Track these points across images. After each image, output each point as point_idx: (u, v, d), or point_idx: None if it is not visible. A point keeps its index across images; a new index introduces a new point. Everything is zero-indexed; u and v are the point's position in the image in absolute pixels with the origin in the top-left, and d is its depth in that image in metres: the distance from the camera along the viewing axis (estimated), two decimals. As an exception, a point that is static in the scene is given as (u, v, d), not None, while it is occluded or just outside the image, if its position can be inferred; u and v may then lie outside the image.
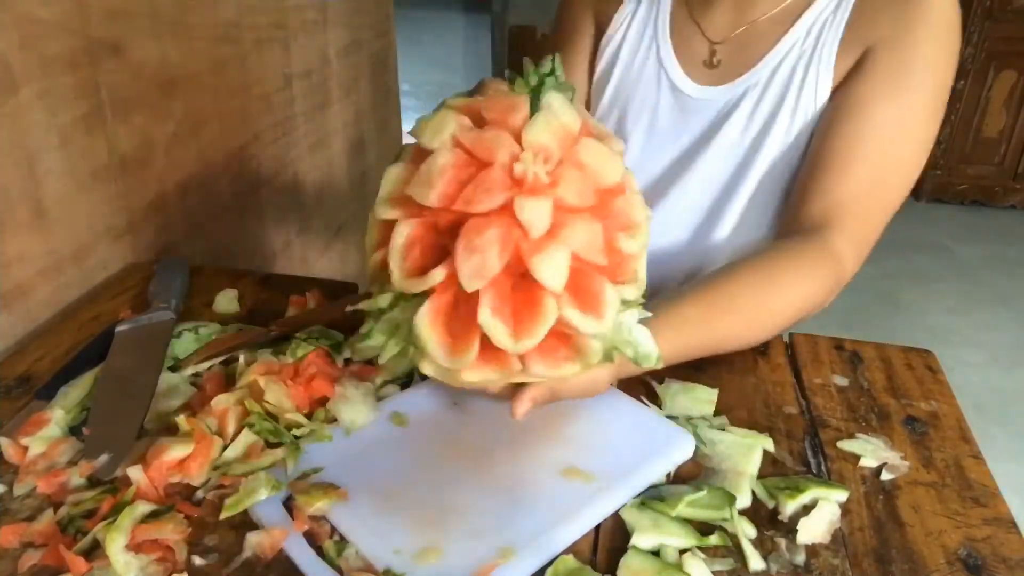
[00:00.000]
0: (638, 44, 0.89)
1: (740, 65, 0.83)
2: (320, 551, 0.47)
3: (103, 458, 0.53)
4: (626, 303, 0.47)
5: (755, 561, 0.48)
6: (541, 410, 0.54)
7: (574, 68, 0.94)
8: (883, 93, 0.73)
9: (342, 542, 0.48)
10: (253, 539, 0.48)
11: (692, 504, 0.51)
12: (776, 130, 0.80)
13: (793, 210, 0.77)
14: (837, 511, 0.52)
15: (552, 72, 0.47)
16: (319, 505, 0.50)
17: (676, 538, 0.49)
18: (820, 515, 0.51)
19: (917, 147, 0.74)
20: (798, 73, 0.79)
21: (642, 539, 0.48)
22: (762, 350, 0.71)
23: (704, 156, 0.85)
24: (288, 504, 0.51)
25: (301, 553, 0.47)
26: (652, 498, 0.52)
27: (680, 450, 0.56)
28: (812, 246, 0.71)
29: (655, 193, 0.90)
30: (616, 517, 0.51)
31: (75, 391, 0.61)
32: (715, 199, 0.86)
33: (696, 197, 0.87)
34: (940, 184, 3.61)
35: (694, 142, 0.87)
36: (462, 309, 0.43)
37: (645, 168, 0.90)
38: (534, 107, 0.45)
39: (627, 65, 0.89)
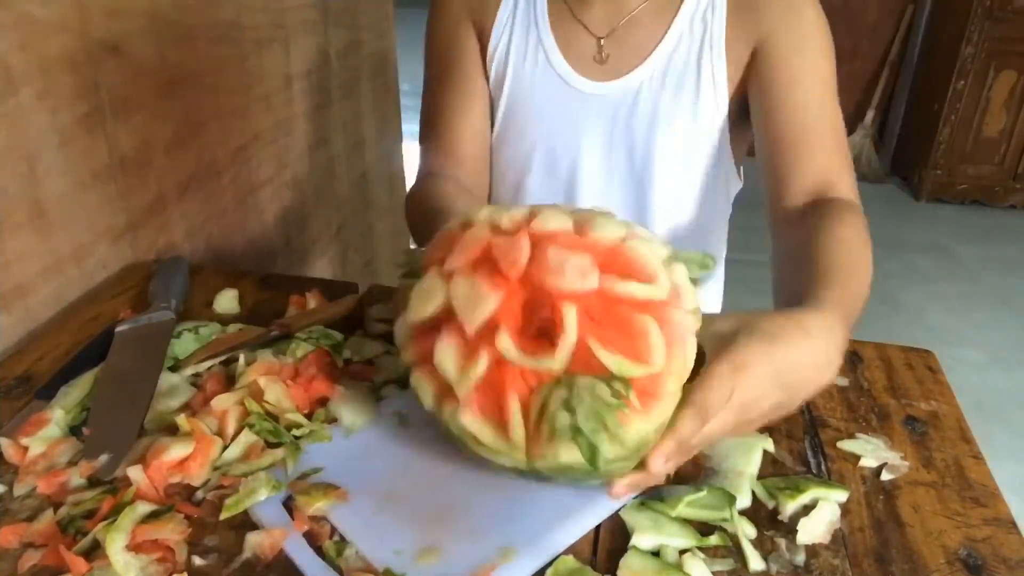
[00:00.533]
0: (524, 48, 0.87)
1: (630, 58, 0.84)
2: (320, 551, 0.47)
3: (103, 458, 0.53)
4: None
5: (755, 561, 0.48)
6: None
7: (472, 94, 0.89)
8: (803, 68, 0.80)
9: (342, 542, 0.48)
10: (253, 539, 0.48)
11: (692, 504, 0.51)
12: (679, 121, 0.84)
13: (779, 199, 0.79)
14: (837, 511, 0.52)
15: None
16: (319, 505, 0.50)
17: (676, 538, 0.48)
18: (820, 515, 0.51)
19: (837, 101, 0.81)
20: (691, 65, 0.83)
21: (642, 539, 0.48)
22: (762, 350, 0.71)
23: (609, 152, 0.87)
24: (288, 504, 0.51)
25: (301, 553, 0.47)
26: (652, 498, 0.52)
27: None
28: (839, 206, 0.74)
29: (566, 193, 0.91)
30: (616, 517, 0.51)
31: (75, 391, 0.61)
32: (627, 193, 0.89)
33: (609, 193, 0.89)
34: (940, 184, 3.61)
35: (597, 138, 0.88)
36: None
37: (551, 169, 0.91)
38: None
39: (517, 71, 0.88)
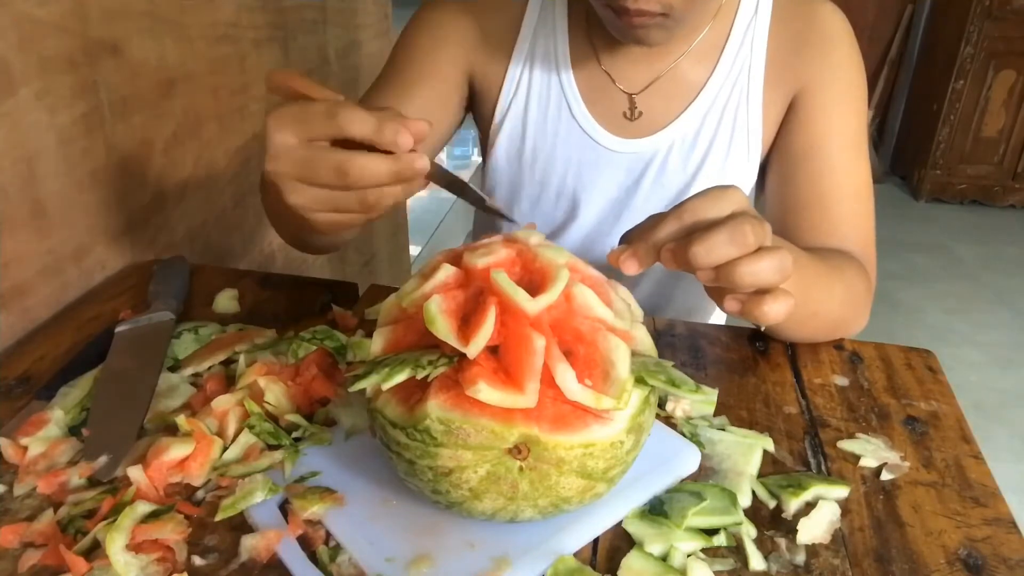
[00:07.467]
0: (546, 105, 0.82)
1: (664, 113, 0.80)
2: (313, 556, 0.47)
3: (102, 459, 0.53)
4: None
5: (756, 561, 0.48)
6: None
7: (432, 108, 0.80)
8: (829, 130, 0.77)
9: (336, 548, 0.48)
10: (248, 542, 0.47)
11: (698, 514, 0.50)
12: (707, 176, 0.81)
13: None
14: (837, 511, 0.52)
15: None
16: (314, 509, 0.49)
17: (683, 543, 0.48)
18: (820, 515, 0.51)
19: (866, 158, 0.79)
20: (726, 121, 0.79)
21: (653, 548, 0.48)
22: (762, 350, 0.71)
23: (633, 205, 0.84)
24: (284, 508, 0.50)
25: (293, 557, 0.46)
26: (655, 512, 0.51)
27: (686, 464, 0.55)
28: (845, 252, 0.74)
29: (588, 245, 0.88)
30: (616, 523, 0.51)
31: (75, 391, 0.61)
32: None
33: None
34: (940, 184, 3.62)
35: (623, 193, 0.85)
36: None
37: (575, 222, 0.88)
38: None
39: (539, 127, 0.83)
